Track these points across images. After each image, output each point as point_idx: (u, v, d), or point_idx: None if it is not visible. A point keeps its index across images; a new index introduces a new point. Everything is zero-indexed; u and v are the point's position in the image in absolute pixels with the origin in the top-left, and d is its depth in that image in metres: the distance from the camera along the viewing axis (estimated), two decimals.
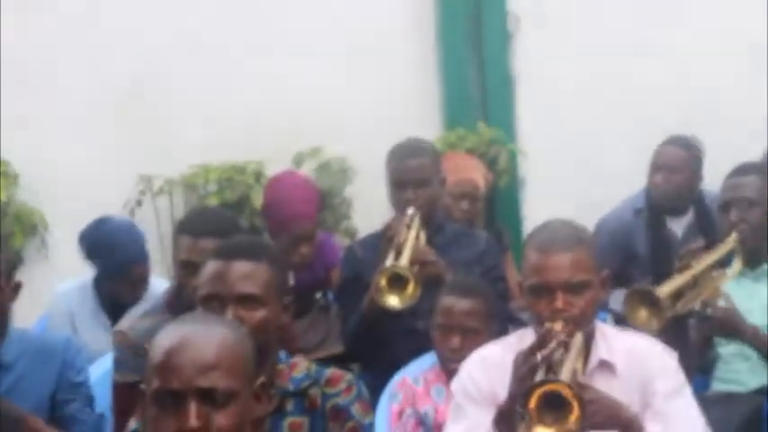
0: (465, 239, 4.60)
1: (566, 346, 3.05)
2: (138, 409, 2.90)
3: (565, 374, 2.95)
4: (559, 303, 3.17)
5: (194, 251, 3.71)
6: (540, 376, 2.96)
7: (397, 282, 4.26)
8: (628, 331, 3.54)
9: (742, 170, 4.40)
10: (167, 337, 2.44)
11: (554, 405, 2.91)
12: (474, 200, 5.26)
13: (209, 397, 2.37)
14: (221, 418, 2.37)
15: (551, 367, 2.98)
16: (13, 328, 3.88)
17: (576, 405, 2.89)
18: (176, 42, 5.98)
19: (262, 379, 2.52)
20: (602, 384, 3.23)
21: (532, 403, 2.90)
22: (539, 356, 3.01)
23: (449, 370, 3.90)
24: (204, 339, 2.42)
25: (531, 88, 6.26)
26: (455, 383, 3.37)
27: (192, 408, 2.35)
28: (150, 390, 2.40)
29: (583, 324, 3.19)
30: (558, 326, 3.10)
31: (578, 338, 3.11)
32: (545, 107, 6.25)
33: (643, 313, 3.94)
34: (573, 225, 3.35)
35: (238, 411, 2.40)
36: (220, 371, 2.39)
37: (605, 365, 3.28)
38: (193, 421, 2.34)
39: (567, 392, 2.89)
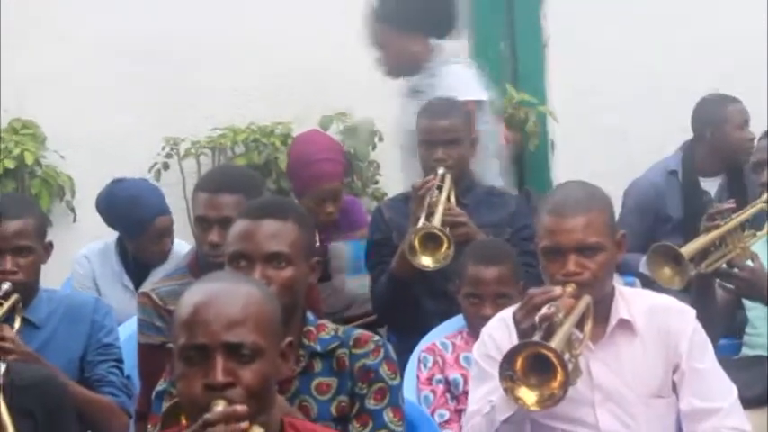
0: (495, 200, 4.58)
1: (570, 309, 3.05)
2: (168, 367, 2.91)
3: (558, 338, 2.95)
4: (571, 266, 3.17)
5: (210, 207, 3.69)
6: (537, 337, 2.97)
7: (430, 242, 4.24)
8: (648, 292, 3.54)
9: None
10: (194, 294, 2.44)
11: (540, 368, 2.92)
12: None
13: (235, 352, 2.37)
14: (247, 374, 2.37)
15: (551, 328, 2.98)
16: (42, 288, 3.90)
17: (560, 370, 2.90)
18: (204, 4, 5.96)
19: (289, 338, 2.52)
20: (623, 343, 3.25)
21: (518, 364, 2.92)
22: (536, 318, 3.02)
23: (478, 336, 3.88)
24: (231, 295, 2.42)
25: (562, 51, 6.22)
26: (476, 349, 3.37)
27: (219, 362, 2.35)
28: (177, 346, 2.40)
29: (596, 287, 3.19)
30: (569, 288, 3.10)
31: (583, 302, 3.11)
32: (576, 70, 6.21)
33: (666, 271, 3.92)
34: (588, 187, 3.34)
35: (265, 368, 2.39)
36: (247, 326, 2.39)
37: (625, 325, 3.28)
38: (220, 376, 2.34)
39: (552, 357, 2.90)
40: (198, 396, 2.36)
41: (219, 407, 2.31)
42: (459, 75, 4.90)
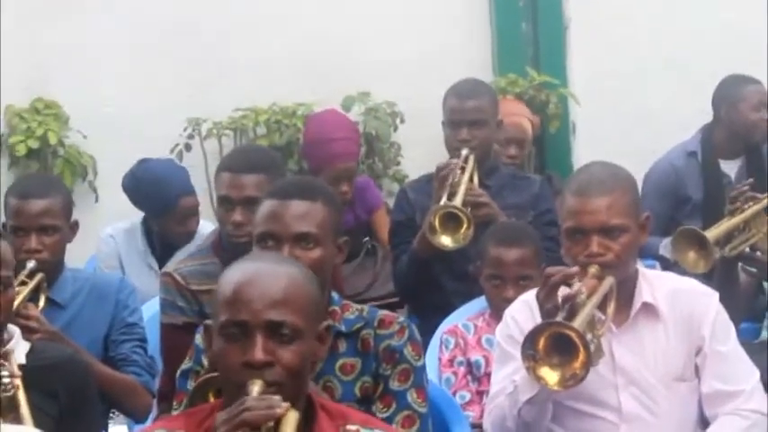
0: (519, 183, 4.59)
1: (593, 290, 3.07)
2: (203, 343, 2.90)
3: (580, 318, 2.96)
4: (594, 247, 3.18)
5: (233, 186, 3.68)
6: (560, 317, 2.99)
7: (450, 221, 4.26)
8: (671, 275, 3.54)
9: None
10: (237, 272, 2.44)
11: (562, 347, 2.94)
12: (521, 145, 5.24)
13: (276, 332, 2.37)
14: (286, 354, 2.37)
15: (574, 308, 3.00)
16: (66, 267, 3.93)
17: (582, 350, 2.92)
18: None
19: (327, 321, 2.52)
20: (646, 327, 3.26)
21: (541, 344, 2.94)
22: (559, 297, 3.04)
23: (501, 318, 3.88)
24: (274, 275, 2.42)
25: (584, 33, 6.21)
26: (499, 331, 3.38)
27: (259, 340, 2.36)
28: (218, 323, 2.41)
29: (619, 268, 3.19)
30: (592, 270, 3.12)
31: (606, 283, 3.12)
32: (598, 52, 6.20)
33: (691, 255, 3.93)
34: (612, 168, 3.34)
35: (303, 350, 2.40)
36: (288, 306, 2.39)
37: (649, 308, 3.29)
38: (259, 354, 2.34)
39: (574, 337, 2.92)
40: (236, 373, 2.36)
41: (256, 386, 2.32)
42: None
